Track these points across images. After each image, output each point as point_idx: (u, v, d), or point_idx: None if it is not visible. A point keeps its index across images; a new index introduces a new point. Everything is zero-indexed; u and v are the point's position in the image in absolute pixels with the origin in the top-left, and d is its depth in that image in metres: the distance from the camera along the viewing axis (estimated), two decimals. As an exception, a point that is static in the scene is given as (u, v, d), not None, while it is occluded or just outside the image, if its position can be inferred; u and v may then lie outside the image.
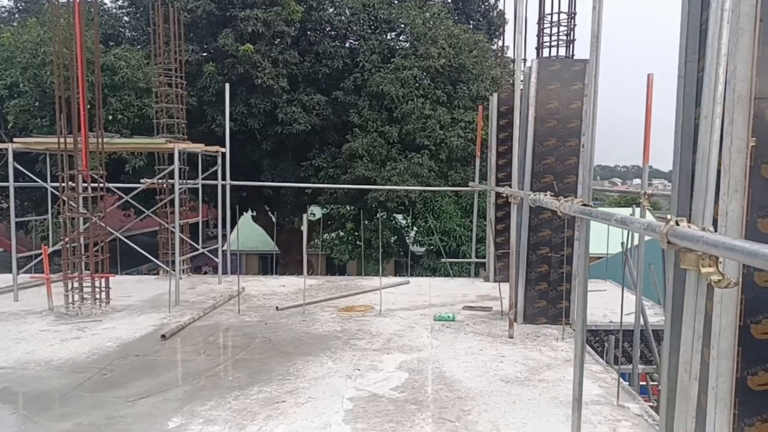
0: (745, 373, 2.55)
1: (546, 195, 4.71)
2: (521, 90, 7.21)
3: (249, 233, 27.43)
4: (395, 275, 24.44)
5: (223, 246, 10.60)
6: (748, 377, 2.56)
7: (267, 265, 27.32)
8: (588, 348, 6.22)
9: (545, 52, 7.46)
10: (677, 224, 2.14)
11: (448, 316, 7.44)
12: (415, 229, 17.61)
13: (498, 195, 9.57)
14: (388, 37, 19.11)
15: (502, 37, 21.53)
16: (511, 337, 6.68)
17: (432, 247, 16.75)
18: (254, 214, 22.52)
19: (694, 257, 2.11)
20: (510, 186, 9.38)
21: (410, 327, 7.18)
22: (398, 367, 5.79)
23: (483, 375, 5.53)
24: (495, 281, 9.58)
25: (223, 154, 9.75)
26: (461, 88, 17.63)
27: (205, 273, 30.03)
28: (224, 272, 10.18)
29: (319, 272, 26.39)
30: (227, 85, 10.66)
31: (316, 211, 21.31)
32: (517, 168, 6.90)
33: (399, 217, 19.10)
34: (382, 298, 8.30)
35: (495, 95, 9.65)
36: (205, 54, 19.38)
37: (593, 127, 3.95)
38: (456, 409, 4.79)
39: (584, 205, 3.71)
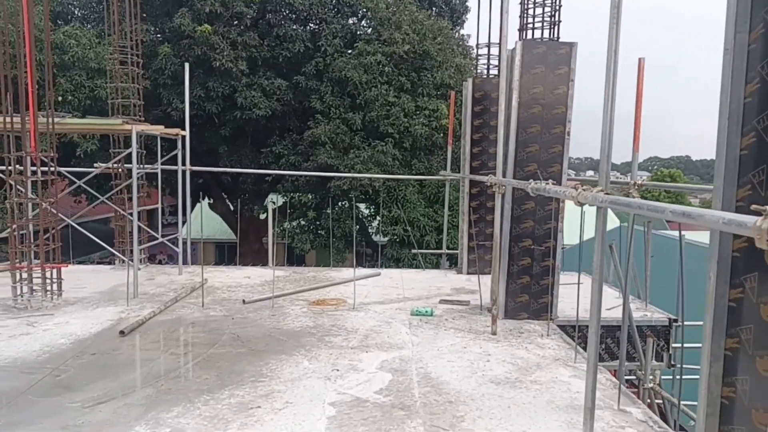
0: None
1: (548, 183, 4.28)
2: (505, 73, 6.78)
3: (205, 221, 26.30)
4: (356, 266, 23.97)
5: (179, 234, 9.79)
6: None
7: (224, 253, 26.27)
8: (578, 348, 5.89)
9: (528, 35, 7.04)
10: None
11: (426, 311, 6.98)
12: (378, 218, 17.11)
13: (472, 184, 9.17)
14: (351, 22, 18.41)
15: (464, 25, 21.26)
16: (494, 333, 6.28)
17: (396, 237, 16.30)
18: (211, 201, 21.50)
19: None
20: (487, 174, 9.00)
21: (387, 322, 6.68)
22: (380, 367, 5.29)
23: (471, 376, 5.10)
24: (468, 273, 9.21)
25: (183, 137, 8.94)
26: (425, 76, 17.17)
27: (160, 262, 28.65)
28: (184, 262, 9.41)
29: (278, 262, 25.61)
30: (186, 65, 9.82)
31: (276, 200, 20.51)
32: (504, 156, 6.48)
33: (362, 206, 18.55)
34: (354, 291, 7.78)
35: (470, 80, 9.20)
36: (160, 35, 18.19)
37: (612, 107, 3.52)
38: (448, 415, 4.34)
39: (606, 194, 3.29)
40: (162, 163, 9.43)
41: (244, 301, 7.38)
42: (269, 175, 16.92)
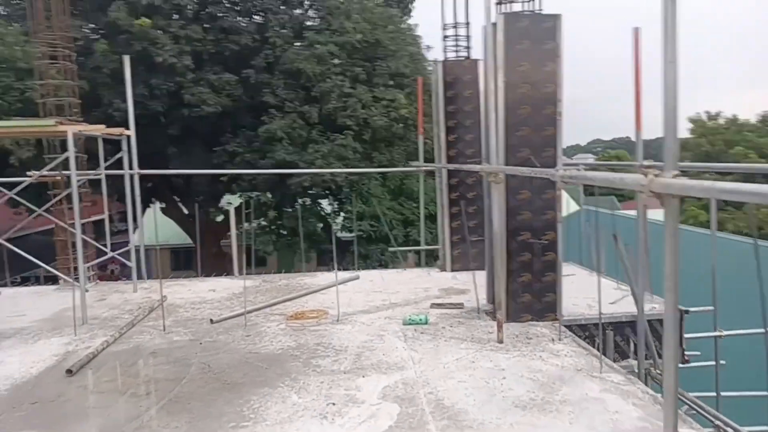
0: None
1: (579, 168, 3.50)
2: (491, 48, 5.99)
3: (159, 226, 24.52)
4: (324, 266, 22.82)
5: (132, 245, 8.55)
6: None
7: (180, 259, 24.67)
8: (595, 351, 5.21)
9: (506, 8, 6.26)
10: None
11: (420, 319, 6.16)
12: (342, 214, 16.17)
13: (450, 175, 8.38)
14: (298, 12, 17.27)
15: (412, 14, 20.42)
16: (500, 342, 5.52)
17: (362, 233, 15.42)
18: (163, 206, 19.96)
19: None
20: (465, 163, 8.23)
21: (379, 336, 5.82)
22: (382, 395, 4.42)
23: (490, 399, 4.30)
24: (453, 270, 8.45)
25: (129, 138, 7.71)
26: (380, 65, 16.29)
27: (112, 272, 26.67)
28: (138, 274, 8.20)
29: (239, 267, 24.20)
30: (126, 57, 8.55)
31: (233, 200, 19.20)
32: (494, 141, 5.70)
33: (324, 203, 17.55)
34: (334, 300, 6.87)
35: (439, 64, 8.38)
36: (95, 31, 16.53)
37: (675, 73, 2.75)
38: (478, 454, 3.53)
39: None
40: (106, 168, 8.17)
41: (211, 320, 6.34)
42: (224, 175, 15.65)
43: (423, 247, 9.39)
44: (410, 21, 20.72)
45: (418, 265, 18.01)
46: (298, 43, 16.16)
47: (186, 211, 19.90)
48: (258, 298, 7.34)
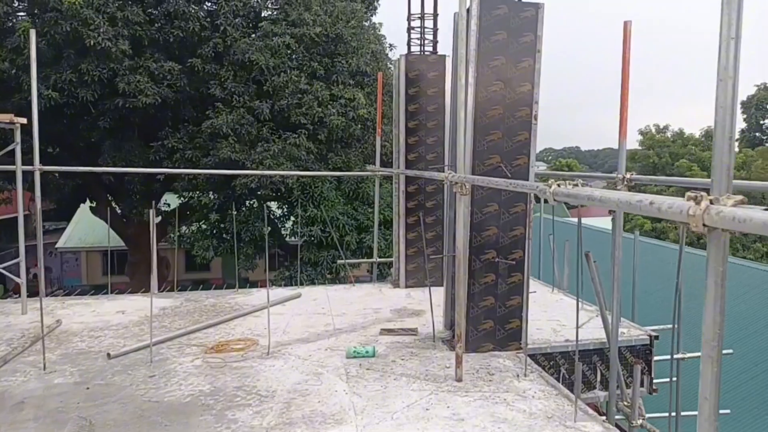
0: None
1: (578, 183, 2.63)
2: (459, 41, 5.12)
3: (91, 227, 22.73)
4: (271, 281, 21.56)
5: (21, 256, 7.25)
6: None
7: (113, 263, 22.95)
8: (565, 391, 4.38)
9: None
10: None
11: (366, 351, 5.20)
12: (292, 218, 15.06)
13: (408, 181, 7.47)
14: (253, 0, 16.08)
15: (377, 12, 19.55)
16: (459, 380, 4.63)
17: (313, 238, 14.36)
18: (93, 204, 18.33)
19: None
20: (425, 169, 7.35)
21: (316, 374, 4.83)
22: (312, 462, 3.45)
23: (450, 467, 3.40)
24: (408, 286, 7.53)
25: (24, 126, 6.44)
26: (340, 62, 15.27)
27: (35, 276, 24.61)
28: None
29: (177, 272, 22.64)
30: (32, 32, 7.28)
31: (171, 200, 17.80)
32: (462, 146, 4.82)
33: (273, 205, 16.38)
34: (269, 324, 5.85)
35: (402, 58, 7.46)
36: (17, 6, 14.90)
37: (736, 72, 1.91)
38: None
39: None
40: None
41: (109, 354, 5.18)
42: (160, 173, 14.30)
43: (376, 259, 8.43)
44: (375, 19, 19.88)
45: (371, 273, 17.15)
46: (252, 34, 15.01)
47: (119, 211, 18.31)
48: (176, 323, 6.22)
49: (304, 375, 4.80)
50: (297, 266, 14.89)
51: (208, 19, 14.76)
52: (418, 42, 7.53)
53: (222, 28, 14.45)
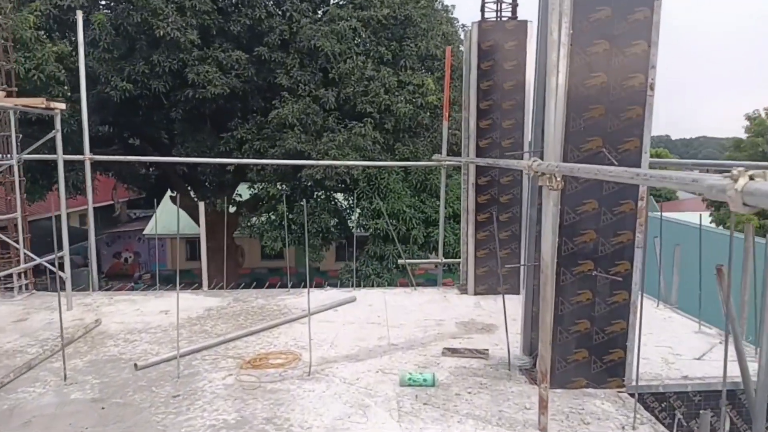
0: None
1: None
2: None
3: (174, 215, 23.08)
4: (337, 261, 20.95)
5: (66, 248, 6.74)
6: None
7: (195, 249, 23.24)
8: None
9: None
10: None
11: (425, 379, 4.14)
12: (358, 210, 14.20)
13: (479, 172, 6.28)
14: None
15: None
16: (543, 429, 3.47)
17: (379, 231, 13.42)
18: (174, 194, 18.38)
19: None
20: (499, 158, 6.13)
21: (362, 406, 3.83)
22: None
23: None
24: (477, 293, 6.37)
25: (64, 112, 5.88)
26: (408, 46, 14.14)
27: (126, 260, 25.45)
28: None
29: (251, 260, 22.52)
30: (79, 13, 6.73)
31: (243, 192, 17.49)
32: (551, 127, 3.62)
33: (340, 196, 15.59)
34: (316, 334, 4.94)
35: (474, 26, 6.25)
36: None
37: None
38: None
39: None
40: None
41: (136, 365, 4.46)
42: (229, 164, 13.87)
43: (441, 259, 7.30)
44: (447, 1, 18.57)
45: (438, 268, 15.98)
46: (318, 17, 14.21)
47: (196, 201, 18.29)
48: (218, 328, 5.43)
49: (347, 406, 3.81)
50: (362, 259, 14.04)
51: (275, 6, 14.10)
52: (495, 7, 6.25)
53: (288, 13, 13.74)
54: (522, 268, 4.54)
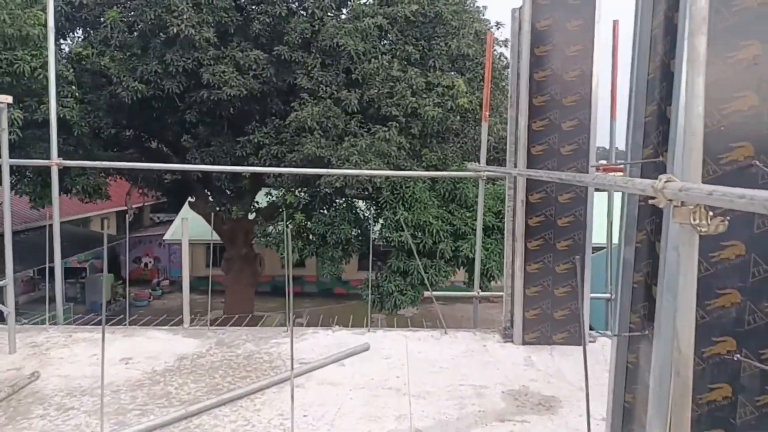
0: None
1: None
2: None
3: (195, 221, 22.10)
4: (360, 271, 19.46)
5: (9, 277, 5.44)
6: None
7: (216, 256, 22.18)
8: None
9: None
10: None
11: None
12: (381, 221, 12.75)
13: (530, 187, 4.72)
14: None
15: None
16: None
17: (403, 244, 11.94)
18: (193, 199, 17.29)
19: None
20: (556, 170, 4.55)
21: None
22: None
23: None
24: (526, 342, 4.79)
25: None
26: (437, 44, 12.66)
27: (146, 265, 24.53)
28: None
29: (271, 269, 21.25)
30: (50, 1, 5.44)
31: (261, 199, 16.25)
32: (678, 123, 2.08)
33: (362, 204, 14.17)
34: (313, 405, 3.49)
35: (527, 2, 4.72)
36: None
37: None
38: None
39: None
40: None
41: (50, 461, 3.06)
42: (241, 172, 12.62)
43: (477, 293, 5.76)
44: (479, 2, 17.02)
45: (466, 283, 14.20)
46: (342, 14, 12.87)
47: (217, 208, 17.15)
48: (184, 389, 3.99)
49: None
50: (384, 274, 12.58)
51: (296, 3, 12.80)
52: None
53: (310, 10, 12.41)
54: (612, 338, 2.95)
